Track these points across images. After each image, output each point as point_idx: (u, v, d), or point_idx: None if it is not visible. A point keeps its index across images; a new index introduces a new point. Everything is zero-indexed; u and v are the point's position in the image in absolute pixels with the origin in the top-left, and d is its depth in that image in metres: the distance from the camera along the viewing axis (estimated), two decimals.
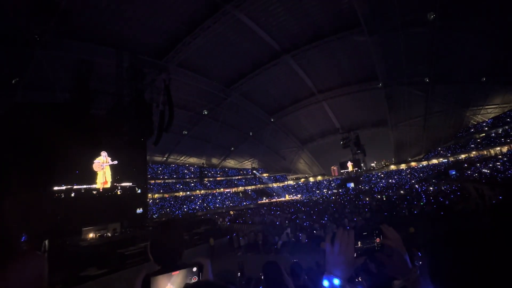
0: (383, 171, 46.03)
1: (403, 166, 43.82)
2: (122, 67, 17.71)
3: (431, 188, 24.78)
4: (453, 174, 29.27)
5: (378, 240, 0.82)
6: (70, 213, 11.52)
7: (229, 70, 31.07)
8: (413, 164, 42.32)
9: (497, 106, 32.70)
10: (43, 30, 16.54)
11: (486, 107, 33.44)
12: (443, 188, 23.26)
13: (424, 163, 40.28)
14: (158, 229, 1.15)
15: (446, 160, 36.44)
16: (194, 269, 0.66)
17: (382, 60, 28.80)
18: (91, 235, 13.16)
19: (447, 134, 37.12)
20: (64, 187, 12.29)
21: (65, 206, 11.70)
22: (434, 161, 38.73)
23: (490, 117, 33.63)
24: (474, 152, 32.87)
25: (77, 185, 12.75)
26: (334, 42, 27.30)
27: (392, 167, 45.45)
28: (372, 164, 51.69)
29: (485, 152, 31.23)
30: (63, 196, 12.10)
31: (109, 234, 13.48)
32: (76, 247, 10.82)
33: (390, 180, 40.38)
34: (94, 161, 13.53)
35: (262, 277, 2.18)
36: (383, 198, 24.29)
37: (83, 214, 12.30)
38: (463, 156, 34.07)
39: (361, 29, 24.44)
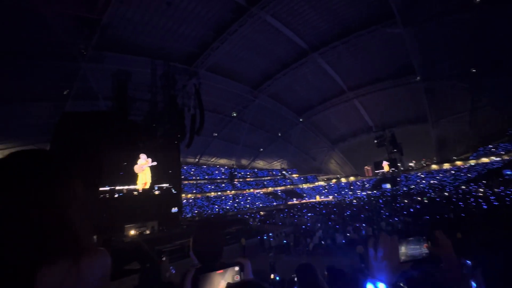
0: (423, 171, 42.66)
1: (446, 165, 40.14)
2: (156, 75, 18.84)
3: (481, 190, 22.35)
4: (508, 174, 26.09)
5: (425, 246, 0.76)
6: (114, 212, 12.51)
7: (257, 72, 31.34)
8: (458, 163, 38.55)
9: None
10: (87, 45, 18.25)
11: None
12: (495, 190, 20.85)
13: (472, 162, 36.44)
14: (200, 228, 1.20)
15: (499, 158, 32.55)
16: (236, 268, 0.68)
17: (419, 52, 26.81)
18: (132, 232, 14.15)
19: (499, 129, 33.14)
20: (108, 188, 13.40)
21: (110, 205, 12.75)
22: (484, 159, 34.83)
23: None
24: None
25: (120, 186, 13.80)
26: (365, 37, 26.09)
27: (434, 166, 41.89)
28: (411, 164, 48.15)
29: None
30: (107, 196, 13.19)
31: (148, 232, 14.36)
32: (120, 242, 11.71)
33: (431, 181, 37.28)
34: (136, 164, 14.52)
35: (296, 279, 2.15)
36: (424, 200, 22.50)
37: (125, 213, 13.29)
38: None
39: (394, 21, 23.05)
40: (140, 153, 14.85)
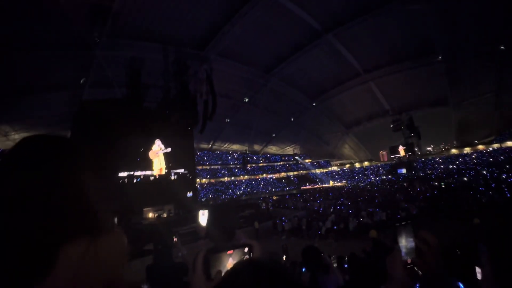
0: (441, 155, 41.21)
1: (467, 149, 38.50)
2: (168, 61, 18.88)
3: (503, 175, 21.41)
4: None
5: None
6: (132, 196, 13.11)
7: (268, 55, 30.59)
8: (480, 147, 36.86)
9: None
10: (100, 33, 18.41)
11: None
12: None
13: (496, 146, 34.69)
14: (214, 211, 1.26)
15: None
16: (246, 249, 0.71)
17: (441, 30, 25.02)
18: (150, 214, 14.84)
19: None
20: (126, 174, 13.97)
21: (128, 189, 13.35)
22: (510, 143, 33.03)
23: None
24: None
25: (137, 171, 14.35)
26: (382, 16, 24.59)
27: (453, 151, 40.32)
28: (429, 149, 46.57)
29: None
30: (126, 181, 13.78)
31: (165, 215, 15.01)
32: (138, 224, 12.35)
33: (450, 166, 36.06)
34: (151, 150, 14.98)
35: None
36: (441, 185, 21.93)
37: (143, 197, 13.89)
38: None
39: None
40: (155, 139, 15.26)
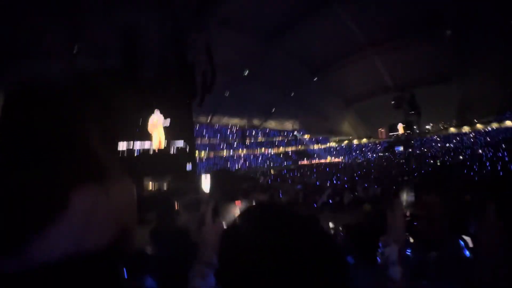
0: (440, 134, 41.36)
1: (466, 128, 38.54)
2: (165, 29, 17.99)
3: (499, 154, 21.71)
4: None
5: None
6: (133, 168, 13.29)
7: (271, 24, 29.20)
8: (479, 126, 36.87)
9: None
10: None
11: None
12: None
13: (495, 125, 34.67)
14: (216, 175, 1.27)
15: None
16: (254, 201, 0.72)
17: (452, 1, 23.73)
18: (150, 186, 15.16)
19: None
20: (126, 145, 14.02)
21: (127, 160, 13.48)
22: (509, 123, 32.99)
23: None
24: None
25: (136, 143, 14.38)
26: None
27: (452, 129, 40.38)
28: (428, 127, 46.53)
29: None
30: (125, 152, 13.87)
31: (166, 185, 15.35)
32: (138, 194, 12.67)
33: (447, 144, 36.38)
34: (149, 122, 14.87)
35: None
36: (437, 163, 22.30)
37: (144, 169, 14.08)
38: None
39: None
40: (154, 111, 15.08)
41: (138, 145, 14.60)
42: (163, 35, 18.63)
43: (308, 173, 26.83)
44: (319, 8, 26.82)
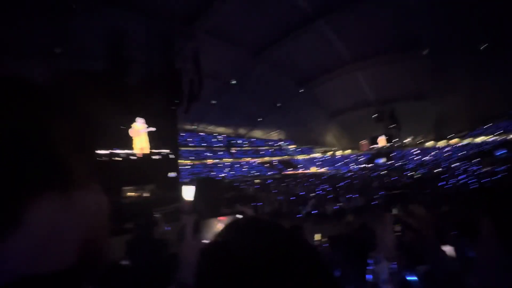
0: (418, 147, 43.24)
1: (442, 143, 40.58)
2: (152, 35, 17.85)
3: (472, 168, 22.96)
4: (502, 153, 26.55)
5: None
6: (113, 174, 12.71)
7: (259, 37, 29.83)
8: (454, 141, 38.95)
9: None
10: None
11: None
12: (485, 169, 21.40)
13: (468, 140, 36.81)
14: (200, 184, 1.21)
15: (495, 138, 32.83)
16: (239, 216, 0.67)
17: (431, 22, 25.40)
18: (130, 193, 14.53)
19: (500, 110, 32.92)
20: (106, 151, 13.45)
21: (107, 167, 12.90)
22: (482, 138, 35.12)
23: None
24: None
25: (117, 149, 13.85)
26: (375, 4, 24.52)
27: (429, 143, 42.37)
28: (407, 140, 48.57)
29: None
30: (104, 159, 13.29)
31: (147, 194, 14.78)
32: (118, 203, 12.09)
33: (425, 158, 38.01)
34: (131, 128, 14.43)
35: None
36: (414, 175, 23.18)
37: (124, 176, 13.51)
38: None
39: None
40: (137, 117, 14.65)
41: (118, 152, 14.06)
42: (150, 41, 18.46)
43: (293, 183, 26.95)
44: (305, 23, 27.78)
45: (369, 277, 0.69)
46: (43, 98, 0.47)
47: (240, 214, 0.66)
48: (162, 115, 15.56)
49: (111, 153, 13.62)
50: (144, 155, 15.09)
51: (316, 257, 0.35)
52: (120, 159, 14.04)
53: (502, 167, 19.58)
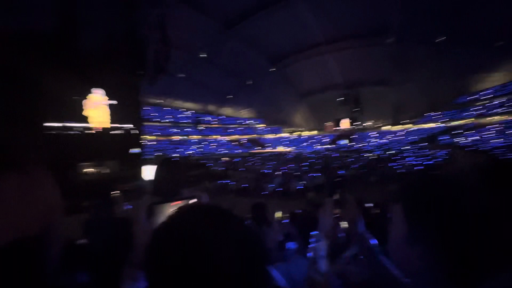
0: (377, 131, 46.70)
1: (398, 127, 44.29)
2: None
3: (420, 151, 25.66)
4: (443, 139, 29.99)
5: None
6: (65, 149, 11.70)
7: (232, 8, 28.27)
8: (407, 126, 42.76)
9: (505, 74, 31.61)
10: None
11: (494, 74, 32.30)
12: (432, 151, 24.10)
13: (418, 126, 40.71)
14: (162, 165, 1.20)
15: (441, 125, 36.72)
16: (193, 200, 0.70)
17: (399, 12, 26.40)
18: (89, 170, 13.66)
19: (448, 99, 36.60)
20: (56, 124, 12.22)
21: (60, 142, 11.81)
22: (429, 125, 39.05)
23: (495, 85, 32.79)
24: (471, 119, 32.74)
25: (71, 122, 12.68)
26: None
27: (387, 127, 45.95)
28: (368, 123, 52.03)
29: (482, 121, 31.09)
30: (55, 132, 12.11)
31: (107, 171, 14.02)
32: (75, 180, 11.33)
33: (381, 140, 41.31)
34: (87, 99, 13.21)
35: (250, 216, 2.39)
36: (369, 157, 25.24)
37: (81, 151, 12.55)
38: (459, 122, 34.18)
39: None
40: (93, 88, 13.37)
41: (72, 125, 12.87)
42: (110, 1, 16.44)
43: (261, 161, 27.60)
44: None
45: (309, 254, 0.78)
46: None
47: (193, 199, 0.68)
48: (124, 86, 14.42)
49: (63, 126, 12.44)
50: (104, 129, 14.06)
51: (253, 245, 0.37)
52: (74, 133, 12.93)
53: (443, 151, 22.30)
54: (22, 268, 0.47)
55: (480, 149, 19.65)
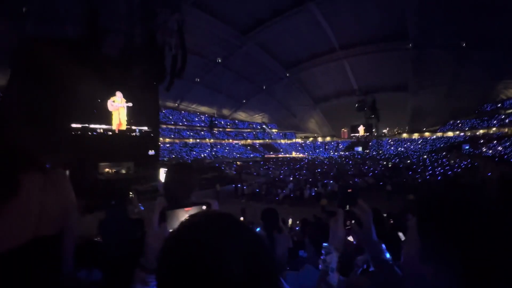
0: (394, 138, 45.32)
1: (416, 135, 42.79)
2: (133, 4, 16.57)
3: (440, 161, 24.56)
4: (466, 149, 28.55)
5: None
6: (87, 149, 12.22)
7: (247, 15, 28.68)
8: (426, 134, 41.21)
9: None
10: None
11: None
12: (452, 161, 23.01)
13: (439, 134, 39.09)
14: (174, 169, 1.22)
15: (462, 133, 35.09)
16: (204, 207, 0.71)
17: (416, 16, 25.70)
18: (107, 170, 14.16)
19: (470, 106, 34.89)
20: (80, 125, 12.81)
21: (82, 142, 12.36)
22: (450, 133, 37.45)
23: None
24: (494, 129, 31.08)
25: (93, 124, 13.23)
26: None
27: (404, 135, 44.50)
28: (384, 131, 50.61)
29: (507, 130, 29.42)
30: (80, 133, 12.69)
31: (124, 171, 14.47)
32: (95, 179, 11.75)
33: (399, 148, 40.01)
34: (109, 101, 13.76)
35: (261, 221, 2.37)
36: (388, 165, 24.44)
37: (100, 151, 13.05)
38: (481, 131, 32.52)
39: None
40: (116, 91, 13.95)
41: (95, 128, 13.44)
42: (132, 9, 17.17)
43: (273, 166, 27.47)
44: (296, 6, 27.05)
45: (320, 266, 0.77)
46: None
47: (204, 205, 0.68)
48: (143, 91, 14.91)
49: (86, 127, 13.00)
50: (120, 131, 14.56)
51: (256, 248, 0.38)
52: (96, 134, 13.48)
53: (464, 162, 21.19)
54: (42, 265, 0.51)
55: (506, 159, 18.44)
